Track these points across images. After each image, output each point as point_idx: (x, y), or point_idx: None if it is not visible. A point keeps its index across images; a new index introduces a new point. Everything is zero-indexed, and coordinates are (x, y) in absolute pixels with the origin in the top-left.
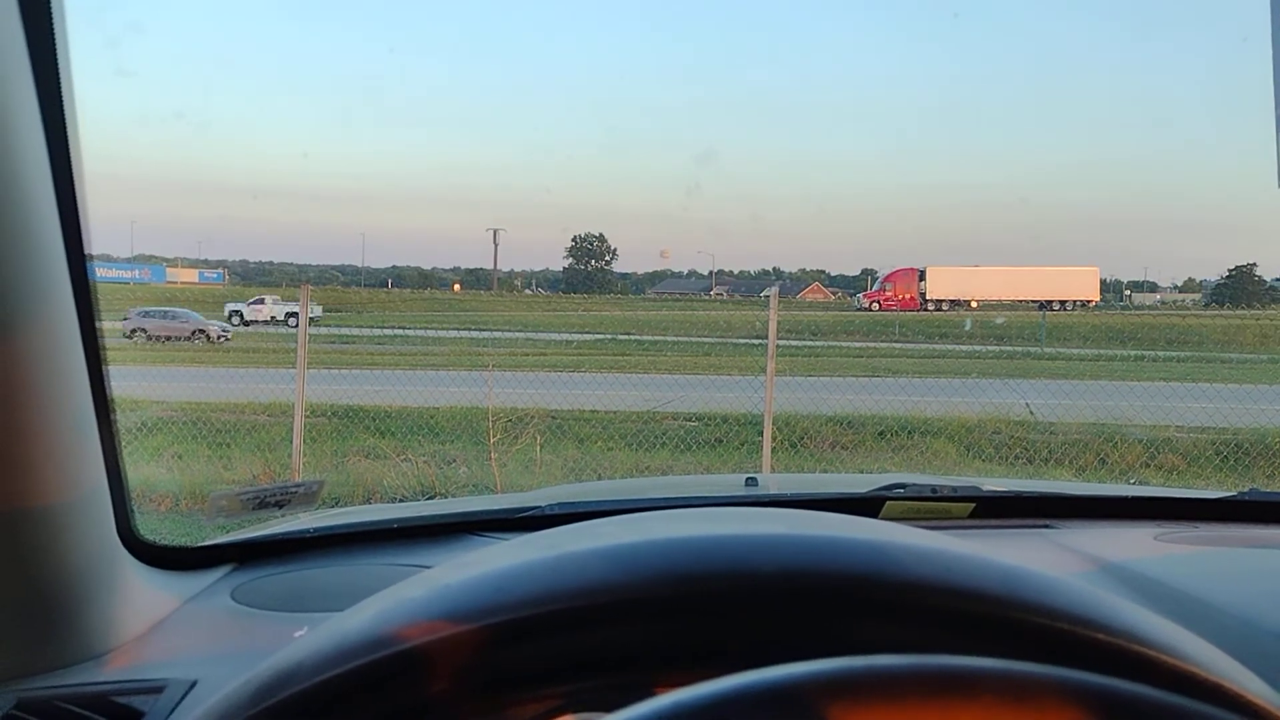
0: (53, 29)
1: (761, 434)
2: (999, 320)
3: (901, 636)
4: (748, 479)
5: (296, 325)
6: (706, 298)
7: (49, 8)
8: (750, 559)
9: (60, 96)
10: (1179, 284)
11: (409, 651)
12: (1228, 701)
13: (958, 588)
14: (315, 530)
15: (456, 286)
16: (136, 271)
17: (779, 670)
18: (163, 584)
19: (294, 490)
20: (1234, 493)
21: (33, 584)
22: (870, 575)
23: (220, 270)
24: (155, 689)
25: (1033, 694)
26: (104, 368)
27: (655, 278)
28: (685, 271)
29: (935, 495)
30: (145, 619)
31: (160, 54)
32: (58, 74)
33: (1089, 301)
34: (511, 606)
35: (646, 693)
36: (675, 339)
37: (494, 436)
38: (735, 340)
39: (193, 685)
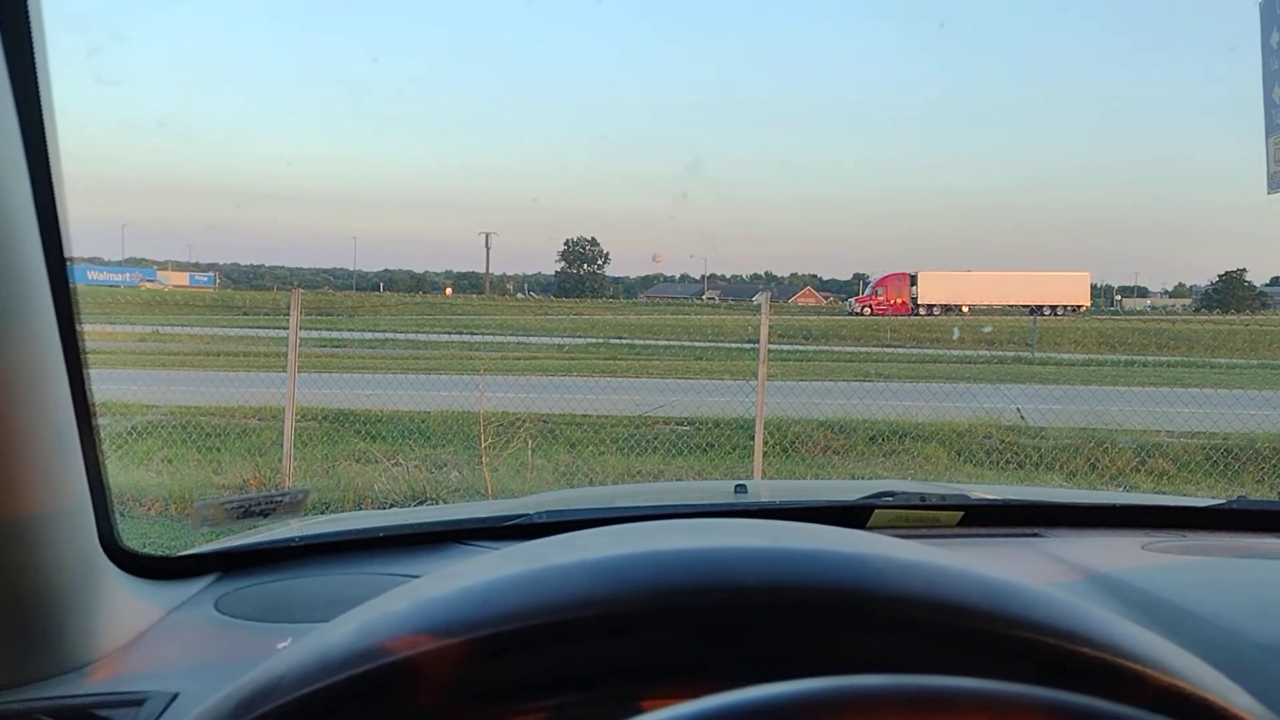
0: (30, 33)
1: (753, 439)
2: (987, 329)
3: (886, 651)
4: (737, 485)
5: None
6: (698, 302)
7: (25, 12)
8: (734, 573)
9: (38, 100)
10: (1169, 289)
11: (392, 665)
12: (1214, 717)
13: (942, 602)
14: (301, 539)
15: (448, 290)
16: (127, 275)
17: (760, 690)
18: (146, 594)
19: (279, 499)
20: (1222, 501)
21: (13, 594)
22: (855, 589)
23: (211, 274)
24: (136, 701)
25: (1013, 714)
26: (85, 373)
27: (647, 282)
28: (677, 276)
29: (924, 504)
30: (128, 630)
31: (155, 59)
32: (35, 77)
33: (1080, 306)
34: (496, 620)
35: (632, 708)
36: (667, 343)
37: (485, 441)
38: (727, 344)
39: (174, 698)
